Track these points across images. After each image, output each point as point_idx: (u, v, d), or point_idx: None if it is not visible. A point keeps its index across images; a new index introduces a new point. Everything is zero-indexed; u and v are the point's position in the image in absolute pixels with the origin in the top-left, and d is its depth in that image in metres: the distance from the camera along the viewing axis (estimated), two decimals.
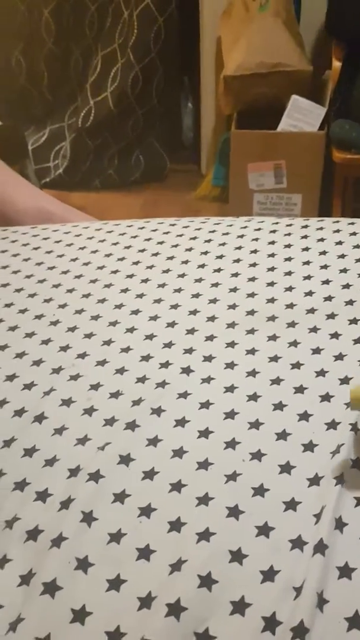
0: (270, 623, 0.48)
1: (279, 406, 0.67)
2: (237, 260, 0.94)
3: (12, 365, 0.76)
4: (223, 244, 0.99)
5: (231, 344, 0.77)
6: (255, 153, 1.93)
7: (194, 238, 1.02)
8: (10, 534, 0.56)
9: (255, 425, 0.65)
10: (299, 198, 1.97)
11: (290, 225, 1.04)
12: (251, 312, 0.82)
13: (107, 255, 0.99)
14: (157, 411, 0.67)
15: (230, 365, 0.73)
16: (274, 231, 1.02)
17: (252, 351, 0.75)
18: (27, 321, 0.84)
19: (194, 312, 0.83)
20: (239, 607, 0.49)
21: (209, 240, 1.00)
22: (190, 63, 2.53)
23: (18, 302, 0.88)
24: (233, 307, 0.83)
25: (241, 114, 2.07)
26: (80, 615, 0.49)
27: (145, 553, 0.53)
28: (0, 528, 0.56)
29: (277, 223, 1.05)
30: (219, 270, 0.92)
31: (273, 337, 0.77)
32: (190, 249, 0.98)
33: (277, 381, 0.70)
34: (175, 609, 0.49)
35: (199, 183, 2.47)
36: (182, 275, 0.92)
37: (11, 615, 0.50)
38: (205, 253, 0.97)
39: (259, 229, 1.03)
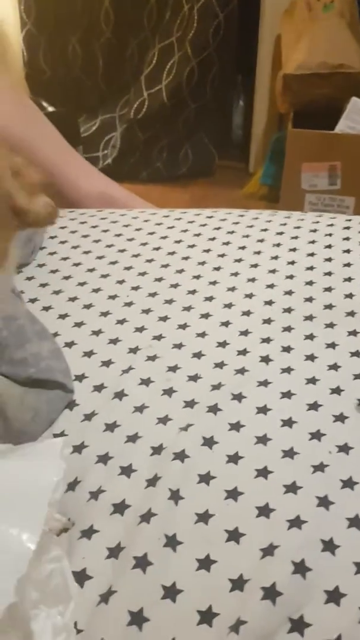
0: None
1: None
2: (312, 254, 0.92)
3: (89, 342, 0.76)
4: (295, 237, 0.98)
5: (310, 337, 0.76)
6: (311, 153, 1.91)
7: (265, 230, 1.01)
8: (96, 505, 0.56)
9: (340, 418, 0.64)
10: (352, 201, 1.95)
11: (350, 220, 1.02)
12: (329, 307, 0.81)
13: (177, 241, 0.98)
14: (238, 397, 0.67)
15: (311, 358, 0.72)
16: (329, 234, 0.99)
17: (332, 345, 0.74)
18: (102, 300, 0.83)
19: (269, 303, 0.82)
20: (334, 596, 0.48)
21: (280, 233, 0.99)
22: (245, 61, 2.51)
23: (91, 281, 0.88)
24: (310, 300, 0.82)
25: (297, 114, 2.05)
26: (171, 592, 0.49)
27: (234, 535, 0.52)
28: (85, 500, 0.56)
29: (331, 225, 1.03)
30: (292, 263, 0.91)
31: (354, 333, 0.76)
32: (262, 240, 0.97)
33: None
34: (270, 593, 0.48)
35: (247, 181, 2.45)
36: (255, 266, 0.91)
37: (101, 587, 0.49)
38: (278, 245, 0.96)
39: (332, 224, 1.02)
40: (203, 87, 2.45)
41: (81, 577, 0.50)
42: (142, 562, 0.50)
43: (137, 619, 0.47)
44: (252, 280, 0.87)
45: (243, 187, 2.52)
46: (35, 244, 0.95)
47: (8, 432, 0.62)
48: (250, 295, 0.84)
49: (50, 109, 2.46)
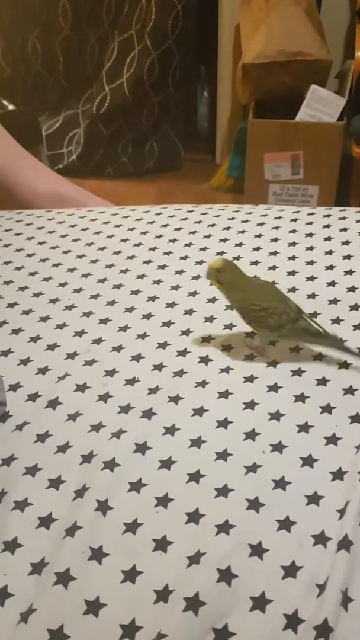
0: (292, 621, 0.46)
1: (301, 398, 0.65)
2: (257, 249, 0.91)
3: (26, 349, 0.74)
4: (242, 232, 0.97)
5: (251, 334, 0.74)
6: (273, 143, 1.90)
7: (213, 225, 1.00)
8: (22, 518, 0.54)
9: (276, 416, 0.63)
10: (315, 190, 1.94)
11: (312, 214, 1.01)
12: None
13: (124, 240, 0.97)
14: (175, 400, 0.65)
15: (250, 357, 0.71)
16: (295, 220, 0.99)
17: (273, 342, 0.73)
18: (42, 305, 0.82)
19: (212, 300, 0.81)
20: (260, 603, 0.47)
21: (228, 228, 0.98)
22: (207, 52, 2.49)
23: (32, 285, 0.86)
24: None
25: (258, 104, 2.03)
26: (94, 607, 0.47)
27: (162, 544, 0.51)
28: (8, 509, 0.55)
29: (297, 212, 1.03)
30: (238, 258, 0.90)
31: None
32: (208, 236, 0.96)
33: (298, 372, 0.68)
34: (193, 603, 0.47)
35: (214, 173, 2.44)
36: (200, 263, 0.89)
37: (22, 605, 0.48)
38: (225, 240, 0.95)
39: (279, 217, 1.00)
40: (165, 80, 2.42)
41: (2, 595, 0.49)
42: (64, 578, 0.49)
43: (57, 636, 0.46)
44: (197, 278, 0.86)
45: (210, 179, 2.50)
46: None
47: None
48: (193, 294, 0.82)
49: (11, 107, 2.43)
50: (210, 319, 0.77)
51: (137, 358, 0.72)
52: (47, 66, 2.58)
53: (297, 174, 1.94)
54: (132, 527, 0.53)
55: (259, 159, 1.96)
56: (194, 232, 0.97)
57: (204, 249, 0.93)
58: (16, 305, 0.82)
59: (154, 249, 0.94)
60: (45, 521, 0.54)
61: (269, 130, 1.93)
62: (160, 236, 0.97)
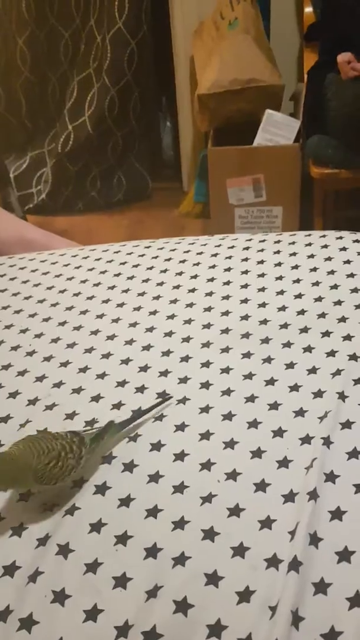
0: None
1: (254, 424, 0.67)
2: (227, 283, 0.93)
3: None
4: (213, 266, 0.99)
5: (206, 364, 0.77)
6: (234, 168, 1.95)
7: (169, 260, 1.03)
8: None
9: (230, 444, 0.65)
10: (279, 210, 1.98)
11: (279, 242, 1.02)
12: (235, 331, 0.83)
13: (83, 281, 0.99)
14: (134, 438, 0.68)
15: (206, 385, 0.74)
16: (261, 250, 1.00)
17: (226, 370, 0.76)
18: (4, 353, 0.84)
19: (169, 334, 0.84)
20: (215, 630, 0.49)
21: (183, 261, 1.01)
22: (166, 83, 2.56)
23: None
24: (208, 326, 0.84)
25: (218, 131, 2.09)
26: None
27: (121, 581, 0.53)
28: None
29: (264, 241, 1.04)
30: (193, 290, 0.93)
31: (247, 355, 0.77)
32: (165, 270, 0.99)
33: (251, 399, 0.71)
34: (151, 637, 0.49)
35: (182, 200, 2.49)
36: (157, 298, 0.92)
37: None
38: (180, 274, 0.98)
39: (247, 248, 1.03)
40: (126, 114, 2.48)
41: None
42: (27, 623, 0.51)
43: None
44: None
45: (179, 206, 2.55)
46: None
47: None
48: (151, 329, 0.85)
49: None
50: (167, 353, 0.80)
51: (96, 399, 0.74)
52: (10, 109, 2.63)
53: (260, 197, 1.99)
54: (92, 567, 0.55)
55: (221, 185, 2.00)
56: (150, 268, 1.00)
57: (161, 283, 0.96)
58: None
59: (112, 287, 0.97)
60: (10, 569, 0.56)
61: (229, 157, 1.98)
62: (118, 274, 1.00)
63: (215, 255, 1.01)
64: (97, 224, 2.58)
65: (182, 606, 0.51)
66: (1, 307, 0.95)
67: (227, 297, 0.90)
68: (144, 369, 0.78)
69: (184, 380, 0.75)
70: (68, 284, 0.99)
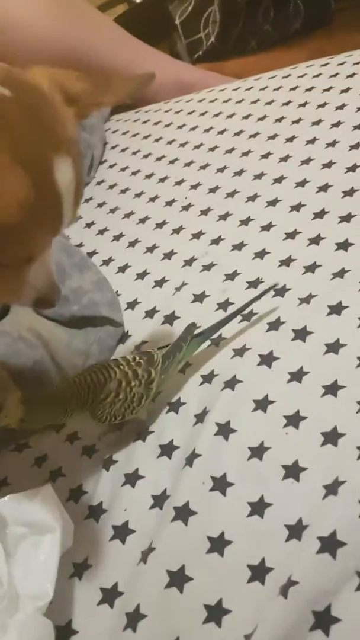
0: None
1: None
2: None
3: (143, 261, 0.68)
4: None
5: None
6: None
7: (352, 76, 0.81)
8: (144, 447, 0.50)
9: None
10: None
11: None
12: None
13: (245, 117, 0.84)
14: (307, 299, 0.55)
15: None
16: None
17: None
18: (158, 209, 0.74)
19: (351, 169, 0.66)
20: None
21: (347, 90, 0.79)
22: None
23: (149, 189, 0.79)
24: None
25: None
26: (218, 545, 0.42)
27: (293, 471, 0.44)
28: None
29: None
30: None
31: None
32: (347, 90, 0.79)
33: None
34: (329, 545, 0.39)
35: None
36: (337, 125, 0.74)
37: (143, 543, 0.44)
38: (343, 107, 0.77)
39: None
40: None
41: (123, 531, 0.45)
42: (183, 512, 0.44)
43: (177, 578, 0.41)
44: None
45: None
46: (94, 156, 0.87)
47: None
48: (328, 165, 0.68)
49: (138, 0, 2.29)
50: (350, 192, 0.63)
51: (261, 255, 0.61)
52: None
53: None
54: (258, 451, 0.46)
55: None
56: (328, 89, 0.80)
57: (341, 107, 0.76)
58: (132, 214, 0.76)
59: (280, 119, 0.80)
60: (167, 449, 0.49)
61: None
62: (287, 103, 0.82)
63: None
64: (273, 61, 2.29)
65: None
66: (155, 158, 0.84)
67: None
68: (320, 214, 0.63)
69: None
70: (228, 122, 0.84)
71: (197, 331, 0.53)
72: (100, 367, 0.49)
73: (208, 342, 0.54)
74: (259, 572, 0.40)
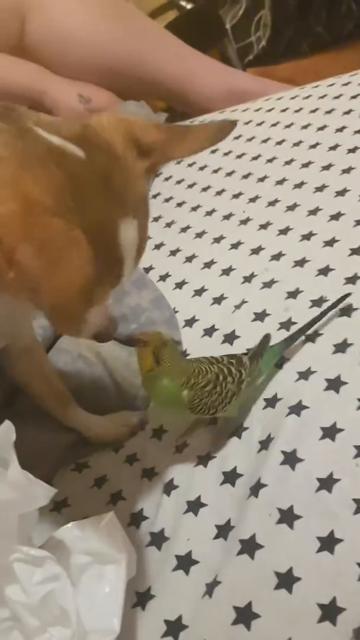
0: None
1: None
2: None
3: (201, 277, 0.67)
4: None
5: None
6: None
7: None
8: (205, 472, 0.49)
9: None
10: None
11: None
12: None
13: (304, 127, 0.81)
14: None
15: None
16: None
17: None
18: (215, 223, 0.73)
19: None
20: None
21: None
22: None
23: (205, 203, 0.77)
24: None
25: None
26: (286, 581, 0.40)
27: None
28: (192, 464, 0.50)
29: None
30: None
31: None
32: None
33: None
34: None
35: None
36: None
37: (208, 574, 0.43)
38: None
39: None
40: None
41: (186, 561, 0.44)
42: (249, 546, 0.43)
43: (245, 615, 0.40)
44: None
45: None
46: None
47: (123, 398, 0.58)
48: None
49: (189, 5, 2.29)
50: None
51: (324, 271, 0.59)
52: None
53: None
54: (327, 483, 0.44)
55: None
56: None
57: None
58: (189, 228, 0.75)
59: (341, 129, 0.77)
60: (230, 476, 0.48)
61: None
62: (349, 112, 0.80)
63: None
64: (326, 65, 2.25)
65: None
66: (212, 170, 0.83)
67: None
68: None
69: None
70: (287, 132, 0.82)
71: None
72: (196, 359, 0.50)
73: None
74: (329, 611, 0.38)
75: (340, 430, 0.46)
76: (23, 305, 0.40)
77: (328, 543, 0.41)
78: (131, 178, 0.38)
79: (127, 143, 0.39)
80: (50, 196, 0.33)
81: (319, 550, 0.41)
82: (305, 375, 0.51)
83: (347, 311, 0.54)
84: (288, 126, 0.83)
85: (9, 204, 0.32)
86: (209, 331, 0.60)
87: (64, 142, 0.36)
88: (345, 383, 0.49)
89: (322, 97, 0.86)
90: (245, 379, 0.49)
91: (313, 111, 0.84)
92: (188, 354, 0.60)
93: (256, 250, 0.66)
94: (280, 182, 0.74)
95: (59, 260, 0.32)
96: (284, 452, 0.46)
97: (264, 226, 0.69)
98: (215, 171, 0.82)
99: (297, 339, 0.53)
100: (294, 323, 0.56)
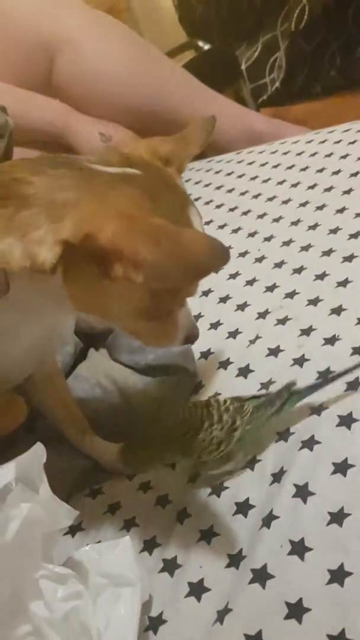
0: None
1: None
2: None
3: (216, 311, 0.69)
4: None
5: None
6: None
7: None
8: (218, 502, 0.50)
9: None
10: None
11: None
12: None
13: (319, 170, 0.85)
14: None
15: None
16: None
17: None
18: (231, 261, 0.75)
19: None
20: None
21: None
22: None
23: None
24: None
25: None
26: (296, 611, 0.42)
27: None
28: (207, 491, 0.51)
29: None
30: None
31: None
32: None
33: None
34: None
35: None
36: None
37: (219, 602, 0.44)
38: None
39: None
40: None
41: (198, 589, 0.45)
42: (261, 575, 0.44)
43: None
44: None
45: None
46: None
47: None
48: None
49: (207, 46, 2.36)
50: None
51: (337, 311, 0.62)
52: None
53: None
54: (338, 517, 0.45)
55: None
56: None
57: None
58: None
59: (355, 174, 0.80)
60: (243, 507, 0.49)
61: None
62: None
63: None
64: (339, 107, 2.31)
65: None
66: (228, 208, 0.86)
67: None
68: None
69: None
70: (301, 175, 0.86)
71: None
72: (193, 402, 0.52)
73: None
74: None
75: (352, 465, 0.48)
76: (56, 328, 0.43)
77: (338, 575, 0.42)
78: (175, 179, 0.45)
79: (153, 157, 0.46)
80: (136, 204, 0.38)
81: (329, 582, 0.42)
82: (317, 411, 0.53)
83: (359, 350, 0.56)
84: (303, 169, 0.87)
85: (112, 225, 0.36)
86: (224, 364, 0.62)
87: (121, 169, 0.42)
88: (357, 420, 0.50)
89: (337, 142, 0.89)
90: (240, 427, 0.49)
91: (328, 155, 0.87)
92: (203, 385, 0.62)
93: (271, 288, 0.68)
94: (295, 223, 0.76)
95: (177, 239, 0.36)
96: (296, 485, 0.48)
97: (278, 265, 0.71)
98: (232, 210, 0.85)
99: (323, 387, 0.53)
100: (307, 360, 0.58)
